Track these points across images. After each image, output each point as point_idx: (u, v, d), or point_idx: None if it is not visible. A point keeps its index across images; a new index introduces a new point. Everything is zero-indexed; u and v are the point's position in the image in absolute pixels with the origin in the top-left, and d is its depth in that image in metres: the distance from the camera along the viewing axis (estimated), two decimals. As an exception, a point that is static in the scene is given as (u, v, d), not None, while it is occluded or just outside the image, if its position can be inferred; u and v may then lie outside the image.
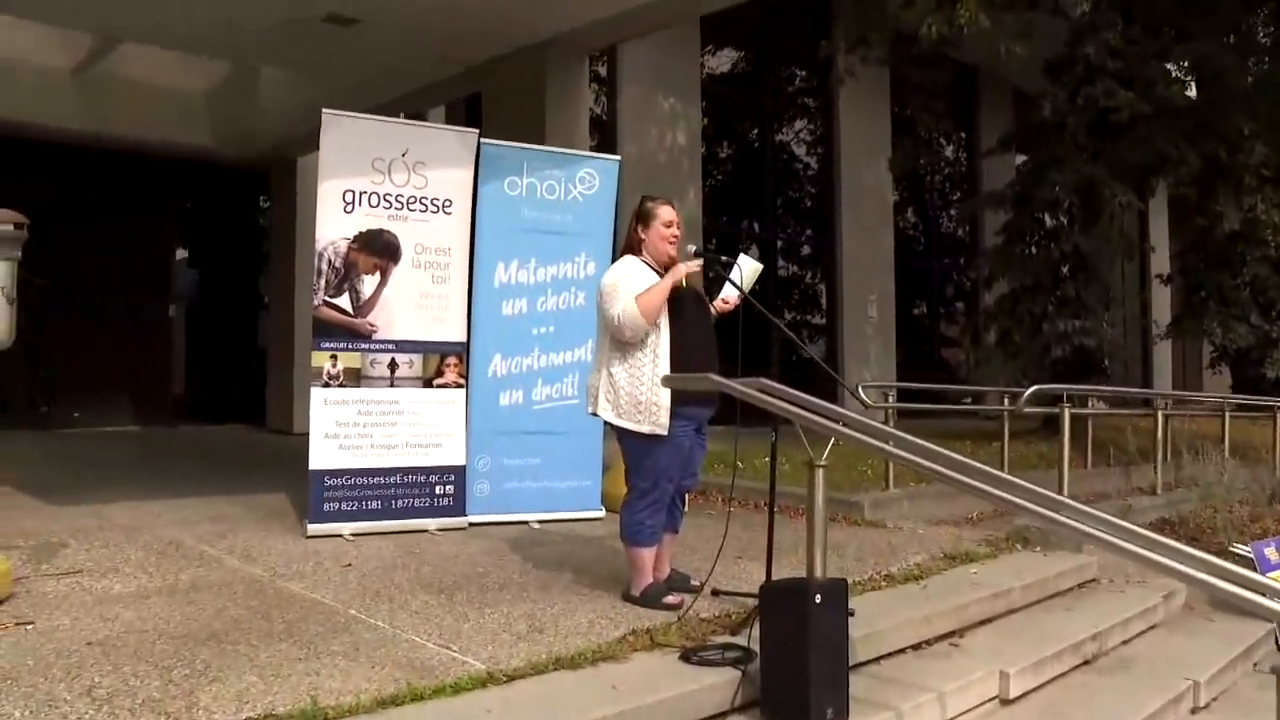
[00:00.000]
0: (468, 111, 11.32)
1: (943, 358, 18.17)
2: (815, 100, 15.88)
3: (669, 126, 12.70)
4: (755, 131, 15.36)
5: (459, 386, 6.22)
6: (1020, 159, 14.38)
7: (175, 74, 11.22)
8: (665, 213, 4.45)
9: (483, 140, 6.41)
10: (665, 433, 4.21)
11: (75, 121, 11.12)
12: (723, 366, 4.32)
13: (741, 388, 3.51)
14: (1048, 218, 12.51)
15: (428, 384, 6.12)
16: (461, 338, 6.24)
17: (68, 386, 12.28)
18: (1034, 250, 12.58)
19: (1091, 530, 3.04)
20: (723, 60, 14.83)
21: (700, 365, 4.26)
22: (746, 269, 4.55)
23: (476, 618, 4.16)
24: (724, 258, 4.62)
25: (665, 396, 4.19)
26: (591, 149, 9.42)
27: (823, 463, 3.55)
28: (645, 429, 4.22)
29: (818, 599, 3.38)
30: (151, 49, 10.05)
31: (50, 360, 12.46)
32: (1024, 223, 12.57)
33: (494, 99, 9.08)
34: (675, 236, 4.45)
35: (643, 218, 4.45)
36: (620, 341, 4.24)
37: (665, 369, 4.23)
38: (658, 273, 4.35)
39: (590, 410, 4.40)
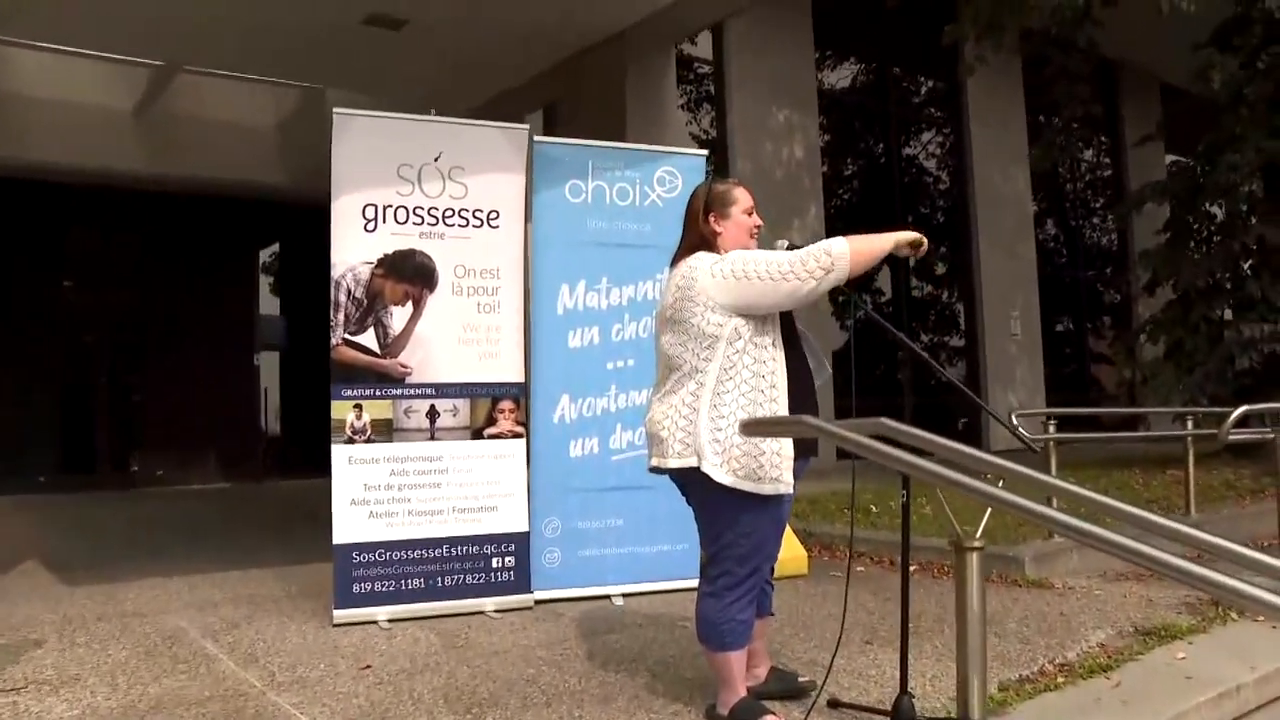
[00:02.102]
0: (545, 128, 10.56)
1: (1093, 376, 17.00)
2: (943, 109, 15.06)
3: (785, 140, 12.00)
4: (879, 144, 14.57)
5: (517, 436, 5.30)
6: (1170, 158, 13.08)
7: (245, 110, 10.73)
8: (745, 197, 3.46)
9: (537, 139, 5.50)
10: (790, 491, 3.19)
11: (145, 164, 10.74)
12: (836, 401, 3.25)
13: (853, 434, 2.34)
14: (1220, 209, 10.98)
15: (477, 435, 5.20)
16: (517, 377, 5.34)
17: (154, 442, 11.99)
18: (1206, 248, 11.05)
19: None
20: (841, 69, 14.12)
21: (806, 401, 3.27)
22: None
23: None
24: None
25: (789, 446, 3.15)
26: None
27: (976, 543, 2.45)
28: (766, 489, 3.12)
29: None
30: (215, 83, 9.59)
31: (137, 416, 12.19)
32: (1191, 217, 11.06)
33: (569, 104, 8.20)
34: (758, 227, 3.45)
35: (718, 204, 3.41)
36: (726, 369, 3.16)
37: (784, 405, 3.17)
38: None
39: (664, 464, 3.26)
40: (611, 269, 5.55)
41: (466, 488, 5.13)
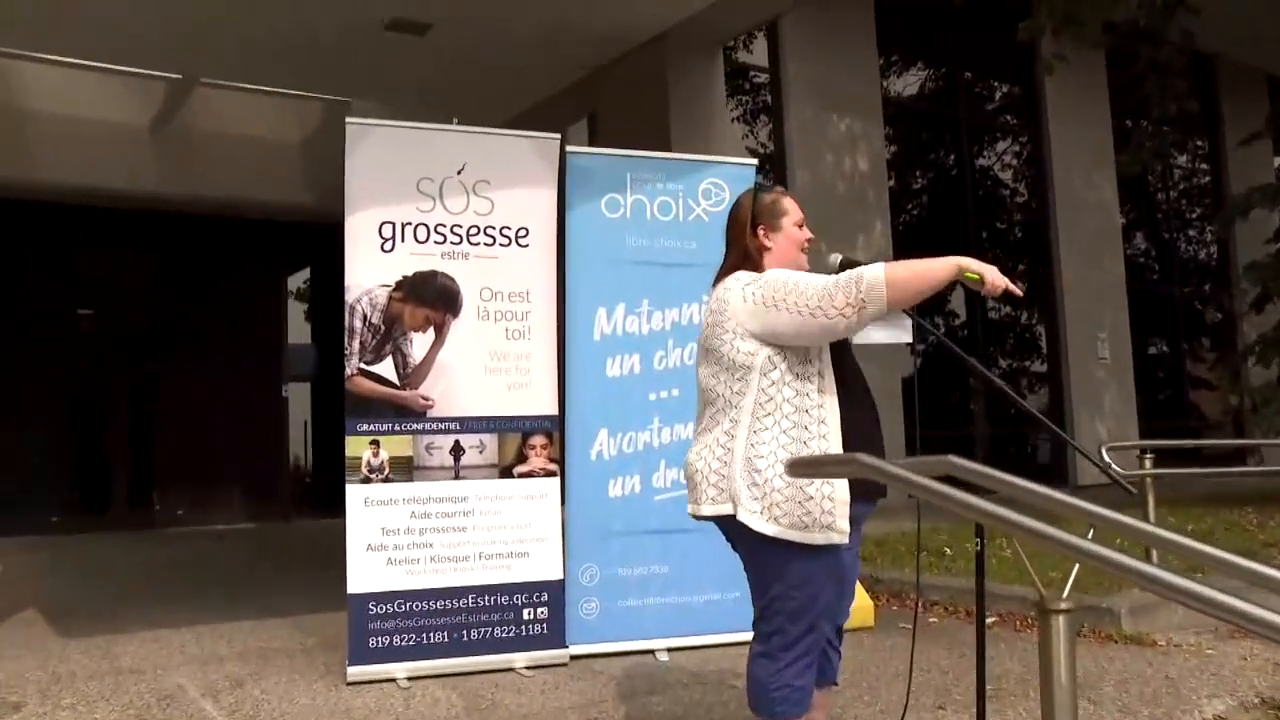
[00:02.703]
0: (591, 141, 10.53)
1: (1192, 403, 16.47)
2: (1019, 114, 14.74)
3: (847, 151, 11.77)
4: (950, 154, 14.25)
5: (550, 475, 5.18)
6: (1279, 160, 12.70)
7: (269, 125, 10.79)
8: (794, 207, 3.29)
9: (570, 149, 5.41)
10: (845, 541, 2.98)
11: (164, 183, 10.85)
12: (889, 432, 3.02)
13: (914, 476, 2.15)
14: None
15: (506, 473, 5.09)
16: (550, 409, 5.23)
17: (175, 480, 12.04)
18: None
19: None
20: (907, 74, 13.85)
21: (865, 436, 3.06)
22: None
23: None
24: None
25: (843, 489, 2.95)
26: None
27: (1063, 605, 2.26)
28: (817, 538, 2.92)
29: None
30: (235, 97, 9.65)
31: (156, 452, 12.24)
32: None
33: (609, 114, 8.09)
34: (810, 241, 3.27)
35: (767, 215, 3.25)
36: (762, 403, 2.99)
37: (836, 442, 2.98)
38: None
39: (698, 511, 3.10)
40: (653, 290, 5.43)
41: (495, 531, 5.02)
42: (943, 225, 13.78)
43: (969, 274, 2.94)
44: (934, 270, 2.95)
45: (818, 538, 2.90)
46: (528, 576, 5.04)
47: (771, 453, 2.92)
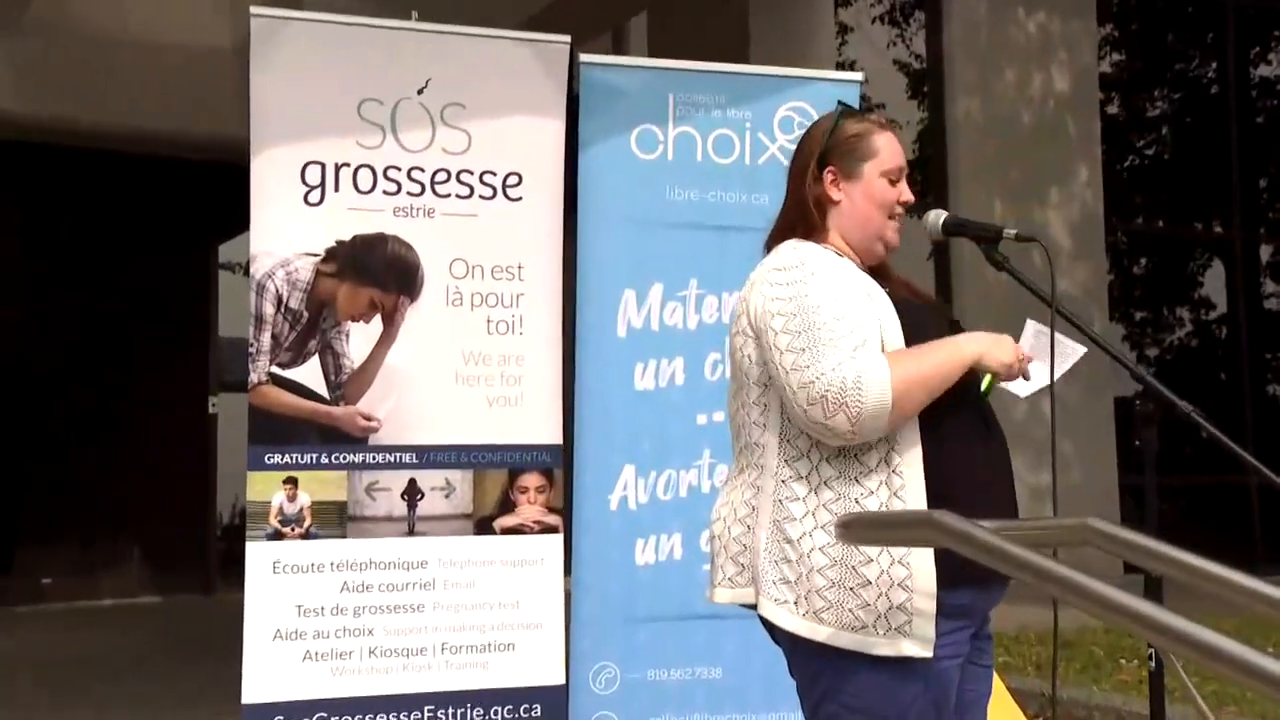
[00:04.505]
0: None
1: None
2: None
3: (1039, 63, 11.88)
4: (1208, 63, 14.35)
5: (549, 531, 5.28)
6: None
7: (184, 20, 10.94)
8: (892, 148, 3.17)
9: (586, 58, 5.47)
10: (927, 653, 2.84)
11: (21, 102, 10.92)
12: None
13: (1020, 550, 2.05)
14: None
15: (485, 527, 5.19)
16: (550, 436, 5.34)
17: (42, 536, 12.16)
18: None
19: None
20: None
21: (982, 487, 2.97)
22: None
23: None
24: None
25: (925, 569, 2.83)
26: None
27: None
28: (880, 646, 2.83)
29: None
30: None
31: (15, 496, 12.34)
32: None
33: (659, 15, 8.14)
34: (905, 204, 3.17)
35: (842, 154, 3.17)
36: (792, 439, 2.95)
37: (917, 495, 2.87)
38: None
39: (716, 595, 3.07)
40: (704, 265, 5.49)
41: (466, 613, 5.09)
42: (1190, 172, 13.83)
43: (987, 372, 2.97)
44: (945, 368, 2.89)
45: (881, 646, 2.79)
46: (514, 680, 5.11)
47: (809, 514, 2.83)
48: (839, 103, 3.26)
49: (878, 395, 2.72)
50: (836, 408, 2.73)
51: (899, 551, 2.79)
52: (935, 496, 2.83)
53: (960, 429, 2.98)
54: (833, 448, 2.85)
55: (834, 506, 2.81)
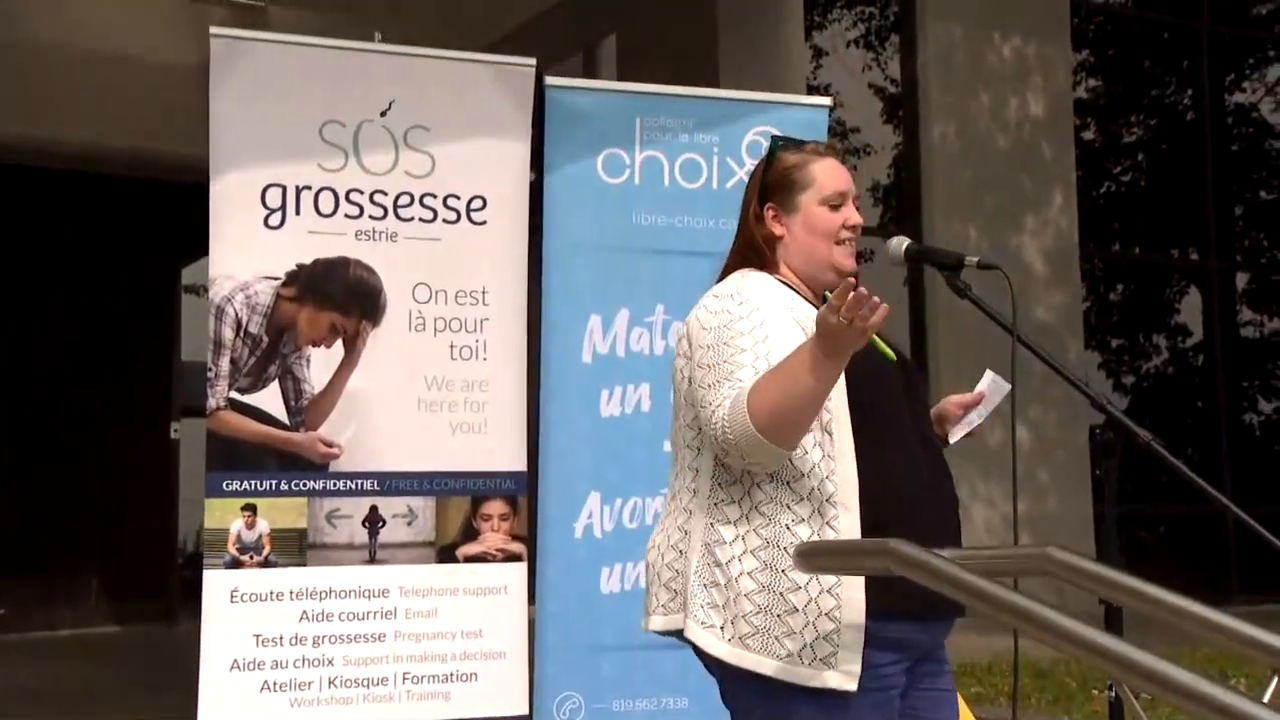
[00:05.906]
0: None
1: None
2: None
3: (1015, 86, 12.02)
4: (1184, 89, 14.48)
5: (513, 559, 5.36)
6: None
7: (147, 37, 10.99)
8: (830, 174, 3.19)
9: (553, 82, 5.56)
10: (852, 686, 2.84)
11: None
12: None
13: (973, 578, 2.09)
14: None
15: (447, 555, 5.27)
16: (515, 463, 5.45)
17: None
18: None
19: None
20: None
21: (924, 514, 2.95)
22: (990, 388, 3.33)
23: None
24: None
25: (854, 598, 2.84)
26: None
27: None
28: (802, 675, 2.83)
29: None
30: None
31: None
32: None
33: (627, 39, 8.23)
34: (853, 228, 3.17)
35: (779, 188, 3.22)
36: (725, 465, 2.96)
37: (850, 521, 2.87)
38: (814, 306, 3.03)
39: (651, 622, 3.10)
40: (670, 291, 5.53)
41: (428, 642, 5.16)
42: (1166, 199, 13.99)
43: (877, 343, 2.94)
44: (820, 366, 2.71)
45: (805, 676, 2.80)
46: (477, 711, 5.17)
47: (739, 538, 2.85)
48: (772, 137, 3.30)
49: (741, 429, 2.73)
50: (724, 445, 2.79)
51: (828, 581, 2.81)
52: (870, 525, 2.86)
53: (896, 452, 3.01)
54: (762, 476, 2.89)
55: (764, 532, 2.84)
